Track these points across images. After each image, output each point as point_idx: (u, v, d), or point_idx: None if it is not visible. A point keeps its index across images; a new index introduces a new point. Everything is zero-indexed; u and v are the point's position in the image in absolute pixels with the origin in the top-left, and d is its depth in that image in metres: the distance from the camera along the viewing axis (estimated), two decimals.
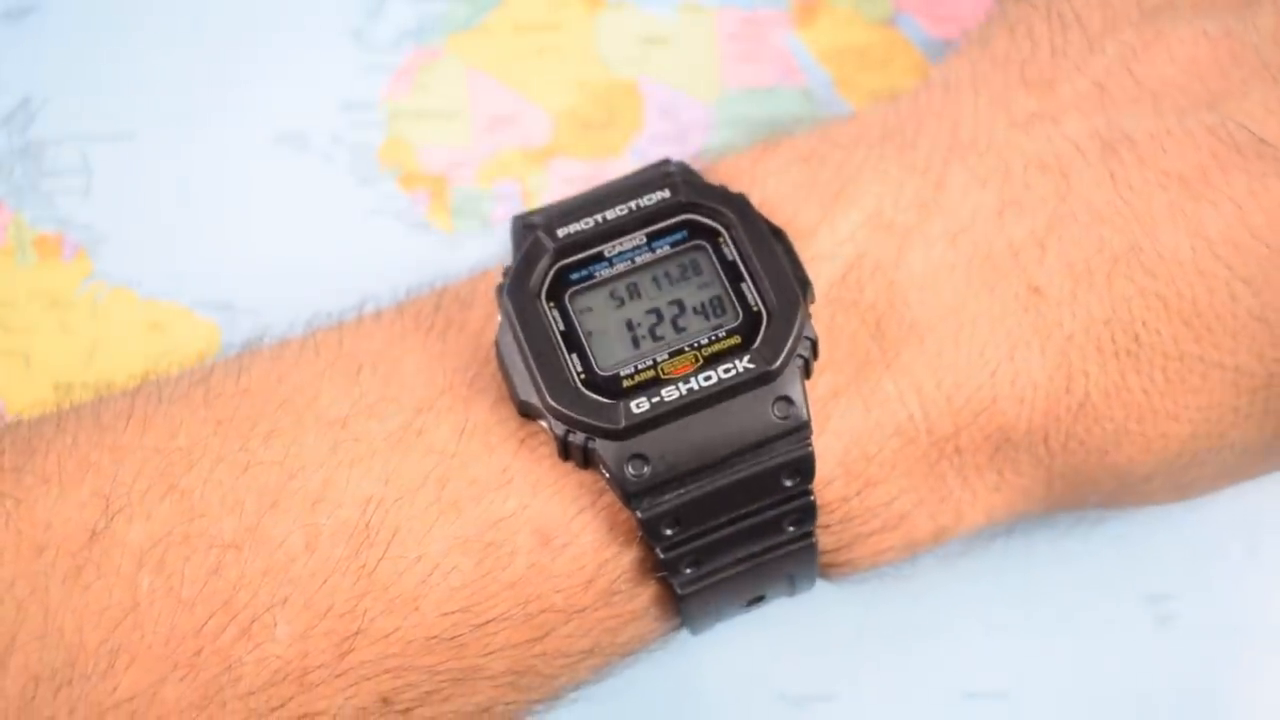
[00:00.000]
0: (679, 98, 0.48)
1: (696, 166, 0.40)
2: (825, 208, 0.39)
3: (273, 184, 0.48)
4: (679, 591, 0.38)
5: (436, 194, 0.48)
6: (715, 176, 0.40)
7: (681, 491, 0.36)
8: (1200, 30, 0.39)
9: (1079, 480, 0.39)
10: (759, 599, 0.40)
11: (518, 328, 0.37)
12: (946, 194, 0.39)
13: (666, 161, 0.40)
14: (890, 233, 0.38)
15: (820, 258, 0.38)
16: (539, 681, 0.38)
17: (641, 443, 0.36)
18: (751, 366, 0.36)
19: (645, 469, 0.36)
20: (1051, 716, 0.45)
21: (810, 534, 0.38)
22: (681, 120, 0.48)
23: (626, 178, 0.40)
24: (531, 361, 0.36)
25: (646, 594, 0.38)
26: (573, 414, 0.36)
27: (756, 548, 0.38)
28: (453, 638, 0.36)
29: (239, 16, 0.48)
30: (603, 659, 0.39)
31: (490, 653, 0.37)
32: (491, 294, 0.39)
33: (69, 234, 0.47)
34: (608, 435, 0.36)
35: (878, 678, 0.45)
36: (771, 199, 0.39)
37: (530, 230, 0.38)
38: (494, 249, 0.47)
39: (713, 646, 0.45)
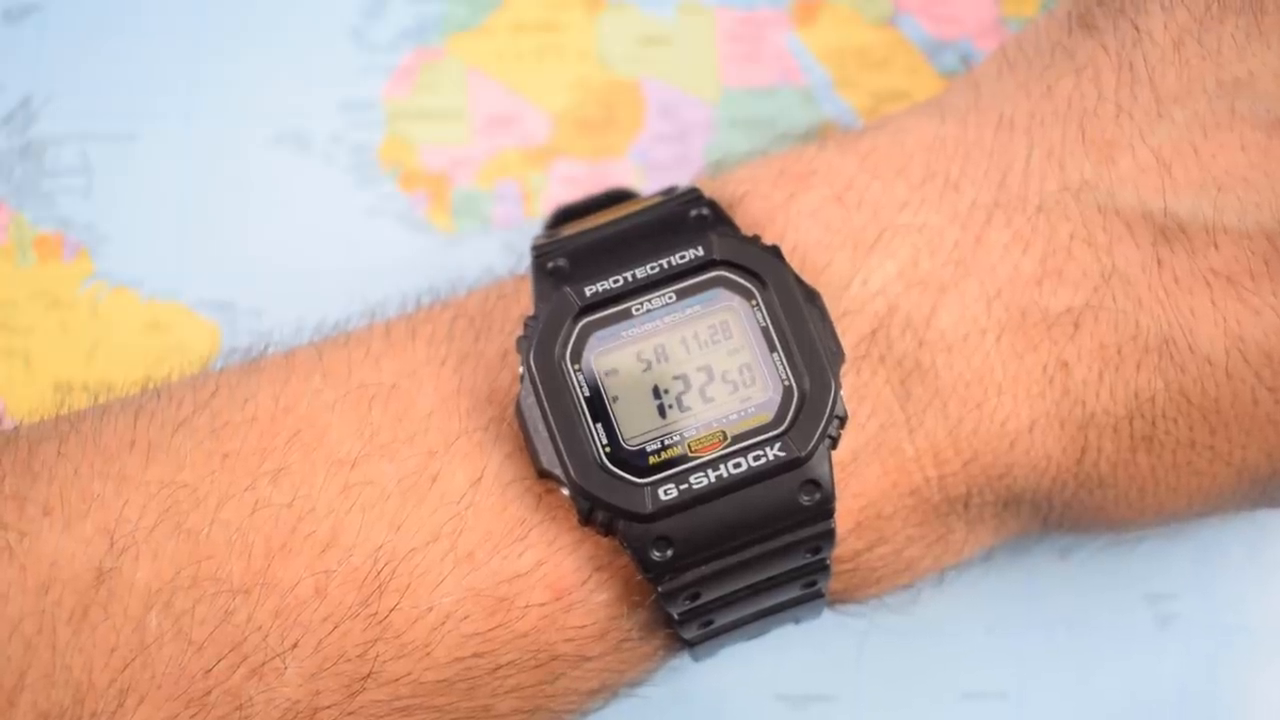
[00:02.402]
0: (679, 98, 0.48)
1: (725, 193, 0.39)
2: (859, 257, 0.38)
3: (273, 184, 0.48)
4: (688, 639, 0.38)
5: (436, 194, 0.48)
6: (745, 213, 0.39)
7: (702, 568, 0.36)
8: (1278, 121, 0.37)
9: (1073, 524, 0.40)
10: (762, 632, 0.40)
11: (542, 394, 0.36)
12: (985, 251, 0.38)
13: (697, 197, 0.39)
14: (924, 289, 0.37)
15: (851, 312, 0.38)
16: (548, 717, 0.38)
17: (666, 526, 0.35)
18: (782, 455, 0.35)
19: (669, 551, 0.35)
20: (1051, 716, 0.45)
21: (820, 591, 0.38)
22: (682, 120, 0.48)
23: (653, 216, 0.39)
24: (556, 431, 0.36)
25: (656, 640, 0.38)
26: (597, 494, 0.35)
27: (768, 604, 0.38)
28: (464, 680, 0.36)
29: (239, 16, 0.48)
30: (611, 692, 0.39)
31: (501, 694, 0.36)
32: (507, 326, 0.38)
33: (69, 234, 0.47)
34: (633, 519, 0.35)
35: (878, 678, 0.45)
36: (804, 244, 0.38)
37: (554, 278, 0.37)
38: (494, 249, 0.47)
39: None
